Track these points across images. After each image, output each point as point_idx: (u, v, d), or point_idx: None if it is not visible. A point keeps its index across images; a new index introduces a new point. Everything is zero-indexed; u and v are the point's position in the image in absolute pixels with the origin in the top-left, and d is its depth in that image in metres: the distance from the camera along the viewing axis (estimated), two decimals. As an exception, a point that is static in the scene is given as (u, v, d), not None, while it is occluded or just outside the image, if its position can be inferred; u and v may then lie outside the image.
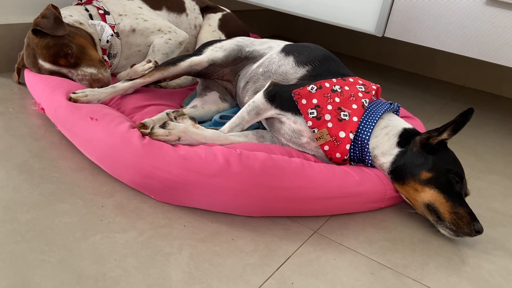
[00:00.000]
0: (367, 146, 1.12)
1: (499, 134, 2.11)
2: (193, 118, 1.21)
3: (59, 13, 1.36)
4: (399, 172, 1.10)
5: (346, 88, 1.18)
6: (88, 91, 1.22)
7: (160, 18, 1.68)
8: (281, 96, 1.16)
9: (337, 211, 1.07)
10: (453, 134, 1.10)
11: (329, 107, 1.13)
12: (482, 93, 3.08)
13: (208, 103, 1.40)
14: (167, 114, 1.21)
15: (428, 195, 1.05)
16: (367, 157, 1.13)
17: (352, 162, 1.20)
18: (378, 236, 1.03)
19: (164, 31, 1.63)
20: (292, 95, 1.13)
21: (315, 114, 1.12)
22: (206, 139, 1.06)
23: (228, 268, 0.83)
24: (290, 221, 1.02)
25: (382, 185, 1.10)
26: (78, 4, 1.58)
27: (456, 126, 1.09)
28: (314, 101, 1.13)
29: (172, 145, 1.01)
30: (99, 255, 0.80)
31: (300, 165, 1.01)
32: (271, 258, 0.88)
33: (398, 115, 1.27)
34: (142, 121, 1.08)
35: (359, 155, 1.15)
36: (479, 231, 0.99)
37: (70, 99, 1.17)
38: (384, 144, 1.13)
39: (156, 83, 1.50)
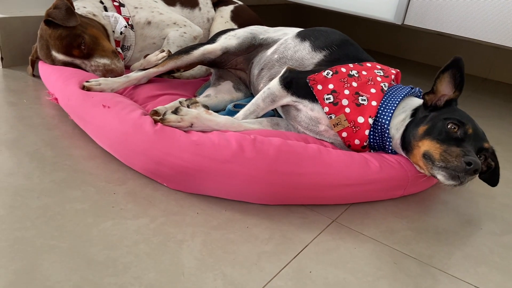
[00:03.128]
0: (387, 131, 1.06)
1: (526, 125, 2.01)
2: (206, 106, 1.18)
3: (71, 4, 1.35)
4: (405, 140, 1.04)
5: (364, 72, 1.13)
6: (102, 80, 1.21)
7: (176, 13, 1.67)
8: (298, 83, 1.12)
9: (357, 199, 1.03)
10: (457, 91, 1.04)
11: (346, 92, 1.08)
12: (506, 85, 2.97)
13: (222, 92, 1.37)
14: (180, 102, 1.18)
15: (425, 145, 0.98)
16: (387, 143, 1.08)
17: (372, 150, 1.15)
18: (400, 225, 0.98)
19: (180, 25, 1.61)
20: (307, 81, 1.09)
21: (331, 100, 1.08)
22: (219, 126, 1.03)
23: (242, 255, 0.79)
24: (307, 210, 0.98)
25: (404, 171, 1.05)
26: (93, -4, 1.58)
27: (452, 78, 1.03)
28: (330, 86, 1.09)
29: (184, 131, 0.98)
30: (110, 241, 0.78)
31: (317, 151, 0.97)
32: (288, 246, 0.84)
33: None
34: (154, 108, 1.05)
35: (379, 141, 1.10)
36: (470, 163, 0.89)
37: (83, 87, 1.16)
38: (399, 120, 1.08)
39: (170, 73, 1.48)
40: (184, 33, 1.60)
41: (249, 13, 1.94)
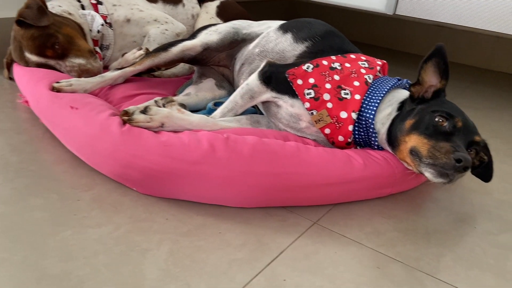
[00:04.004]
0: (372, 126, 1.00)
1: (527, 116, 1.93)
2: (183, 105, 1.12)
3: (44, 3, 1.29)
4: (391, 135, 0.98)
5: (347, 65, 1.07)
6: (74, 80, 1.15)
7: (157, 10, 1.61)
8: (277, 77, 1.06)
9: (340, 199, 0.96)
10: (444, 80, 0.98)
11: (328, 86, 1.02)
12: (507, 75, 2.88)
13: (203, 90, 1.31)
14: (156, 101, 1.13)
15: (412, 141, 0.92)
16: (373, 138, 1.02)
17: (358, 147, 1.09)
18: (387, 226, 0.92)
19: (161, 22, 1.56)
20: (286, 75, 1.03)
21: (312, 95, 1.01)
22: (192, 125, 0.97)
23: (212, 264, 0.74)
24: (287, 212, 0.92)
25: (390, 168, 0.99)
26: (70, -5, 1.53)
27: (436, 67, 0.96)
28: (311, 80, 1.02)
29: (155, 132, 0.92)
30: (67, 252, 0.72)
31: (296, 149, 0.91)
32: (262, 252, 0.78)
33: (409, 91, 1.15)
34: (125, 108, 0.99)
35: (365, 137, 1.04)
36: (459, 160, 0.82)
37: (53, 88, 1.10)
38: (385, 114, 1.01)
39: (150, 72, 1.43)
40: (166, 30, 1.55)
41: (236, 8, 1.88)
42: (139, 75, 1.39)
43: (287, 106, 1.06)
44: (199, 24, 1.71)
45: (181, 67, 1.52)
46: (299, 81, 1.03)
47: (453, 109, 0.96)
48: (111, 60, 1.52)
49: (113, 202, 0.87)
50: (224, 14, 1.79)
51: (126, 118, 0.93)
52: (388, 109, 1.02)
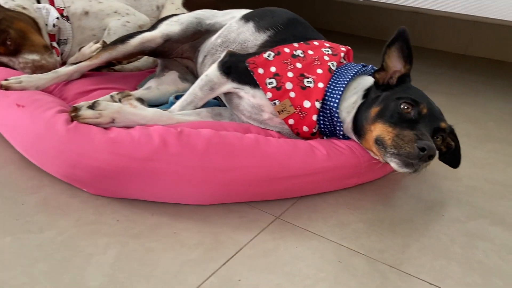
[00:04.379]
0: (337, 115, 0.96)
1: (502, 100, 1.93)
2: (140, 100, 1.07)
3: (-8, -4, 1.22)
4: (357, 123, 0.95)
5: (310, 52, 1.02)
6: (24, 77, 1.08)
7: (117, 1, 1.54)
8: (238, 67, 1.01)
9: (304, 192, 0.93)
10: (408, 64, 0.94)
11: (290, 74, 0.98)
12: (484, 60, 2.89)
13: (165, 83, 1.25)
14: (111, 96, 1.07)
15: (377, 129, 0.89)
16: (338, 127, 0.98)
17: (324, 137, 1.05)
18: (352, 218, 0.89)
19: (122, 13, 1.49)
20: (247, 64, 0.98)
21: (274, 84, 0.97)
22: (146, 120, 0.92)
23: (162, 267, 0.69)
24: (249, 208, 0.88)
25: (356, 158, 0.95)
26: (26, -12, 1.45)
27: (400, 51, 0.93)
28: (273, 69, 0.98)
29: (105, 128, 0.87)
30: (4, 260, 0.67)
31: (254, 141, 0.87)
32: (218, 251, 0.74)
33: (375, 79, 1.11)
34: (75, 105, 0.94)
35: (330, 126, 1.00)
36: (423, 149, 0.79)
37: (1, 87, 1.04)
38: (351, 103, 0.98)
39: (110, 66, 1.36)
40: (127, 22, 1.48)
41: (204, -2, 1.82)
42: (98, 70, 1.33)
43: (249, 97, 1.01)
44: (164, 15, 1.65)
45: (145, 60, 1.47)
46: (260, 70, 0.99)
47: (418, 95, 0.93)
48: (70, 55, 1.45)
49: (60, 205, 0.81)
50: (191, 4, 1.72)
51: (73, 114, 0.87)
52: (353, 97, 0.99)
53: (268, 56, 0.99)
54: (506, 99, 1.96)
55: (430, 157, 0.81)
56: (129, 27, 1.48)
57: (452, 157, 0.99)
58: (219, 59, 1.05)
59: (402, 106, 0.88)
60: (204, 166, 0.80)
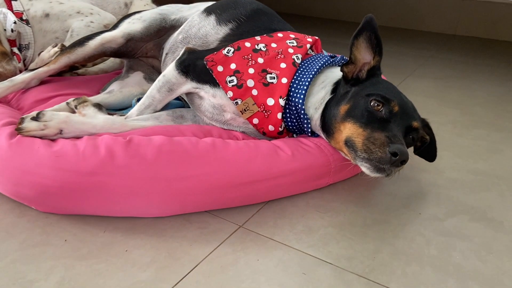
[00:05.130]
0: (303, 111, 0.90)
1: (491, 82, 1.86)
2: (98, 105, 1.01)
3: None
4: (325, 121, 0.89)
5: (273, 45, 0.96)
6: (-25, 88, 1.03)
7: (80, 1, 1.47)
8: (195, 65, 0.95)
9: (271, 197, 0.87)
10: (377, 55, 0.87)
11: (251, 70, 0.91)
12: (474, 39, 2.80)
13: (129, 85, 1.19)
14: (67, 103, 1.02)
15: (347, 130, 0.83)
16: (305, 125, 0.92)
17: (294, 135, 0.99)
18: (321, 222, 0.83)
19: (85, 13, 1.42)
20: (205, 62, 0.92)
21: (235, 82, 0.91)
22: (96, 128, 0.86)
23: (108, 291, 0.64)
24: (210, 217, 0.82)
25: (324, 157, 0.89)
26: (-18, -8, 1.38)
27: (368, 42, 0.86)
28: (233, 66, 0.92)
29: (52, 140, 0.81)
30: None
31: (210, 146, 0.81)
32: (172, 269, 0.69)
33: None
34: (23, 116, 0.88)
35: (298, 124, 0.94)
36: (395, 153, 0.74)
37: None
38: (319, 99, 0.91)
39: (73, 70, 1.30)
40: (91, 22, 1.41)
41: (176, -8, 1.74)
42: (60, 75, 1.27)
43: (209, 97, 0.95)
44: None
45: (111, 61, 1.40)
46: (220, 68, 0.92)
47: (388, 90, 0.86)
48: (33, 60, 1.38)
49: (6, 226, 0.76)
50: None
51: (17, 127, 0.81)
52: (321, 93, 0.93)
53: (228, 52, 0.93)
54: (495, 80, 1.89)
55: (403, 162, 0.76)
56: (93, 27, 1.41)
57: (427, 151, 0.94)
58: (177, 58, 0.98)
59: (372, 104, 0.82)
60: (155, 176, 0.75)
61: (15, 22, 1.29)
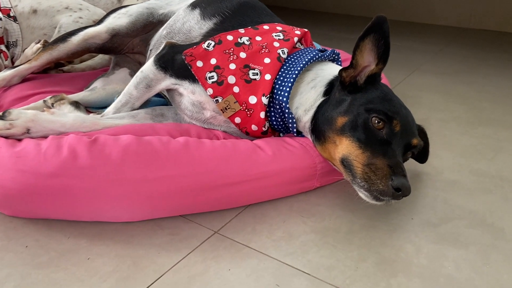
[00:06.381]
0: (287, 110, 0.84)
1: (502, 77, 1.76)
2: (75, 103, 0.97)
3: None
4: (317, 126, 0.82)
5: (258, 38, 0.90)
6: (-48, 86, 1.00)
7: (70, -5, 1.44)
8: (174, 60, 0.90)
9: (250, 200, 0.82)
10: (381, 61, 0.78)
11: (232, 66, 0.86)
12: (488, 32, 2.69)
13: (114, 82, 1.15)
14: (44, 101, 0.98)
15: (343, 146, 0.76)
16: (290, 124, 0.86)
17: (281, 134, 0.94)
18: (303, 228, 0.77)
19: (73, 9, 1.39)
20: (183, 57, 0.87)
21: (215, 79, 0.85)
22: (65, 127, 0.82)
23: (62, 303, 0.60)
24: (183, 222, 0.77)
25: (309, 157, 0.83)
26: (-30, -11, 1.36)
27: (374, 45, 0.77)
28: (213, 61, 0.86)
29: (18, 140, 0.77)
30: None
31: (183, 146, 0.76)
32: (134, 280, 0.64)
33: (340, 64, 0.98)
34: (-7, 115, 0.84)
35: (283, 123, 0.88)
36: (398, 188, 0.68)
37: None
38: (309, 99, 0.85)
39: (58, 67, 1.27)
40: (80, 18, 1.38)
41: (171, -13, 1.70)
42: (46, 72, 1.24)
43: (188, 94, 0.90)
44: (125, 8, 1.54)
45: (100, 58, 1.36)
46: (199, 63, 0.87)
47: (390, 104, 0.78)
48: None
49: (-34, 231, 0.72)
50: (155, -6, 1.61)
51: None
52: (310, 93, 0.86)
53: (208, 46, 0.87)
54: (506, 75, 1.79)
55: (405, 196, 0.70)
56: (82, 23, 1.37)
57: (420, 155, 0.87)
58: (157, 53, 0.93)
59: (373, 121, 0.75)
60: (120, 178, 0.70)
61: (0, 19, 1.26)
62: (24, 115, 0.79)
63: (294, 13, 3.08)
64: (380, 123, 0.75)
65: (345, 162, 0.75)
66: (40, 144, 0.73)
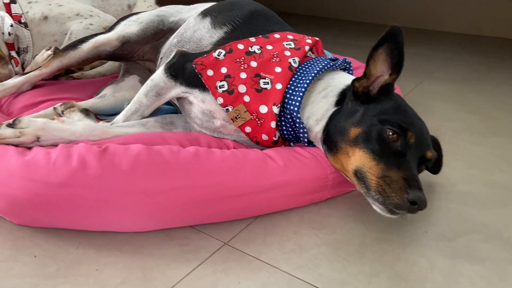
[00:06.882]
0: (298, 120, 0.83)
1: (515, 85, 1.74)
2: (85, 111, 0.97)
3: None
4: (329, 137, 0.81)
5: (269, 47, 0.89)
6: (-37, 93, 1.00)
7: (81, 3, 1.44)
8: (184, 68, 0.89)
9: (260, 211, 0.80)
10: (395, 72, 0.77)
11: (243, 75, 0.85)
12: (500, 40, 2.66)
13: (123, 89, 1.15)
14: (54, 108, 0.98)
15: (356, 158, 0.75)
16: (301, 134, 0.85)
17: (291, 143, 0.93)
18: (314, 240, 0.76)
19: (84, 16, 1.39)
20: (193, 66, 0.86)
21: (225, 87, 0.85)
22: (75, 135, 0.81)
23: (70, 315, 0.59)
24: (193, 233, 0.76)
25: (321, 168, 0.82)
26: (-17, -4, 1.37)
27: (388, 55, 0.76)
28: (223, 70, 0.86)
29: (28, 148, 0.77)
30: None
31: (193, 156, 0.75)
32: (144, 292, 0.63)
33: (351, 73, 0.97)
34: (4, 122, 0.84)
35: (293, 133, 0.87)
36: (414, 202, 0.67)
37: None
38: (320, 109, 0.84)
39: (69, 74, 1.27)
40: (90, 24, 1.38)
41: (181, -6, 1.70)
42: (56, 78, 1.24)
43: (198, 102, 0.89)
44: (135, 15, 1.54)
45: (110, 64, 1.37)
46: (209, 72, 0.86)
47: (404, 115, 0.77)
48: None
49: (-25, 239, 0.72)
50: (166, 1, 1.61)
51: None
52: (322, 102, 0.85)
53: (218, 55, 0.87)
54: (520, 83, 1.76)
55: (421, 209, 0.69)
56: (92, 29, 1.38)
57: (433, 165, 0.85)
58: (167, 61, 0.93)
59: (388, 132, 0.74)
60: (130, 189, 0.69)
61: (11, 25, 1.27)
62: (34, 123, 0.79)
63: (302, 19, 3.09)
64: (395, 135, 0.73)
65: (358, 174, 0.74)
66: (50, 153, 0.73)
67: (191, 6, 1.24)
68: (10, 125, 0.78)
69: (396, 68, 0.77)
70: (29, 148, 0.77)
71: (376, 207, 0.72)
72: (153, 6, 1.58)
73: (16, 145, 0.77)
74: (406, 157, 0.73)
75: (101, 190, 0.69)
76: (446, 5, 2.84)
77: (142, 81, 1.19)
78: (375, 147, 0.74)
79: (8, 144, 0.77)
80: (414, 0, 2.84)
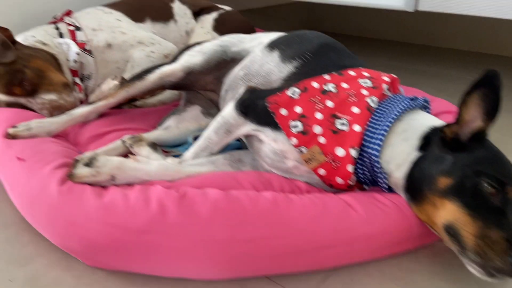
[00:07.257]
0: (377, 164, 0.78)
1: None
2: (153, 145, 0.96)
3: (9, 36, 1.18)
4: (413, 185, 0.76)
5: (344, 85, 0.85)
6: (34, 122, 1.01)
7: (143, 31, 1.46)
8: (256, 106, 0.87)
9: (340, 262, 0.75)
10: (489, 118, 0.71)
11: (319, 115, 0.81)
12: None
13: (186, 120, 1.14)
14: (123, 142, 0.97)
15: (447, 211, 0.69)
16: (380, 178, 0.80)
17: (366, 186, 0.87)
18: (400, 300, 0.70)
19: (146, 43, 1.41)
20: (266, 104, 0.83)
21: (300, 128, 0.81)
22: (150, 175, 0.80)
23: None
24: (268, 283, 0.72)
25: (405, 219, 0.77)
26: (51, 22, 1.42)
27: (482, 100, 0.70)
28: (298, 109, 0.82)
29: (103, 187, 0.76)
30: None
31: (271, 203, 0.71)
32: None
33: (429, 112, 0.91)
34: (76, 157, 0.84)
35: (371, 177, 0.82)
36: None
37: (7, 135, 0.97)
38: (401, 153, 0.79)
39: (131, 102, 1.28)
40: (152, 52, 1.39)
41: (237, 20, 1.70)
42: (119, 107, 1.25)
43: (270, 141, 0.86)
44: (193, 41, 1.55)
45: (170, 93, 1.37)
46: (283, 111, 0.83)
47: (497, 163, 0.72)
48: (94, 90, 1.38)
49: (50, 282, 0.71)
50: (222, 27, 1.62)
51: (68, 174, 0.77)
52: (402, 145, 0.80)
53: (293, 94, 0.84)
54: None
55: None
56: (153, 57, 1.39)
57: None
58: (237, 97, 0.91)
59: (484, 185, 0.68)
60: (208, 238, 0.66)
61: (78, 54, 1.30)
62: (110, 163, 0.78)
63: (351, 40, 3.03)
64: (492, 190, 0.67)
65: (451, 230, 0.68)
66: (127, 195, 0.71)
67: (253, 35, 1.23)
68: (87, 165, 0.77)
69: (491, 113, 0.72)
70: (104, 186, 0.76)
71: (473, 269, 0.66)
72: (210, 32, 1.58)
73: (90, 184, 0.77)
74: (505, 215, 0.67)
75: (180, 238, 0.66)
76: (506, 28, 2.70)
77: (204, 112, 1.18)
78: (469, 201, 0.68)
79: (83, 182, 0.76)
80: (470, 21, 2.73)
